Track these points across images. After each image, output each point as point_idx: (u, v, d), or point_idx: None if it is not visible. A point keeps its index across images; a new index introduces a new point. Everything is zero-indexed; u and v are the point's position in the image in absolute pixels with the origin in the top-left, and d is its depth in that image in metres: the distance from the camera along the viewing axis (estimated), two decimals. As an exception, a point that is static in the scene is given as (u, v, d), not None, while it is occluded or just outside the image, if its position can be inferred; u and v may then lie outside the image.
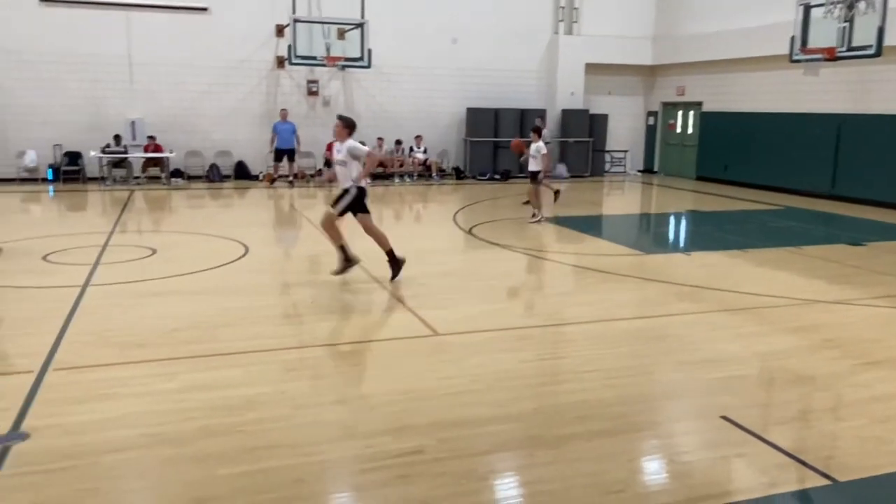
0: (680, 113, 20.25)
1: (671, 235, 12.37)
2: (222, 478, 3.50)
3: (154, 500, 3.38)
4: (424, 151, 18.56)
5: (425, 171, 18.46)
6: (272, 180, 16.85)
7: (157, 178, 16.58)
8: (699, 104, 19.31)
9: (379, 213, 13.54)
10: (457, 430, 4.05)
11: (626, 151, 21.07)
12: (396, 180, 17.99)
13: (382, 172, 18.06)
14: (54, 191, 15.25)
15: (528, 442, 3.95)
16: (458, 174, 19.14)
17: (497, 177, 18.92)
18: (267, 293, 7.30)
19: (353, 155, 7.25)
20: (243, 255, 8.83)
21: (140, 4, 16.33)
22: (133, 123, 16.51)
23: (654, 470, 3.81)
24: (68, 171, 16.18)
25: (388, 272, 7.47)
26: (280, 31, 17.27)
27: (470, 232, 10.91)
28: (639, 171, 21.25)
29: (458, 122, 19.35)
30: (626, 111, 20.92)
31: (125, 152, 16.13)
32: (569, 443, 3.92)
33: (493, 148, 19.18)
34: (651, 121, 21.24)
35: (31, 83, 15.84)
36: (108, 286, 7.19)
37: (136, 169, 16.68)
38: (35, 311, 6.31)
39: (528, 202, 12.36)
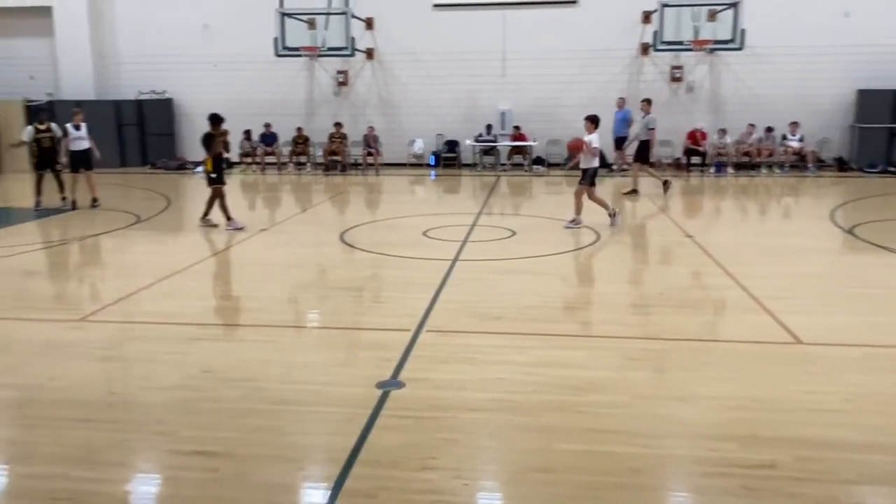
0: None
1: None
2: (560, 452, 3.64)
3: (500, 460, 3.66)
4: (800, 139, 16.70)
5: (800, 162, 16.62)
6: (610, 168, 16.86)
7: (521, 164, 17.79)
8: None
9: (742, 205, 12.65)
10: (818, 450, 3.61)
11: None
12: (764, 171, 16.52)
13: (748, 162, 16.73)
14: (435, 175, 17.32)
15: (910, 481, 3.35)
16: (841, 165, 16.82)
17: (892, 169, 16.19)
18: (616, 281, 7.33)
19: None
20: (595, 242, 9.00)
21: (516, 2, 17.54)
22: (503, 114, 17.92)
23: None
24: (447, 157, 18.30)
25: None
26: (647, 17, 17.02)
27: (850, 232, 9.54)
28: None
29: (845, 106, 16.98)
30: None
31: (494, 141, 17.68)
32: (969, 492, 3.22)
33: (889, 136, 16.43)
34: None
35: (422, 80, 18.16)
36: (472, 262, 7.95)
37: (502, 156, 18.10)
38: (415, 278, 7.27)
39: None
